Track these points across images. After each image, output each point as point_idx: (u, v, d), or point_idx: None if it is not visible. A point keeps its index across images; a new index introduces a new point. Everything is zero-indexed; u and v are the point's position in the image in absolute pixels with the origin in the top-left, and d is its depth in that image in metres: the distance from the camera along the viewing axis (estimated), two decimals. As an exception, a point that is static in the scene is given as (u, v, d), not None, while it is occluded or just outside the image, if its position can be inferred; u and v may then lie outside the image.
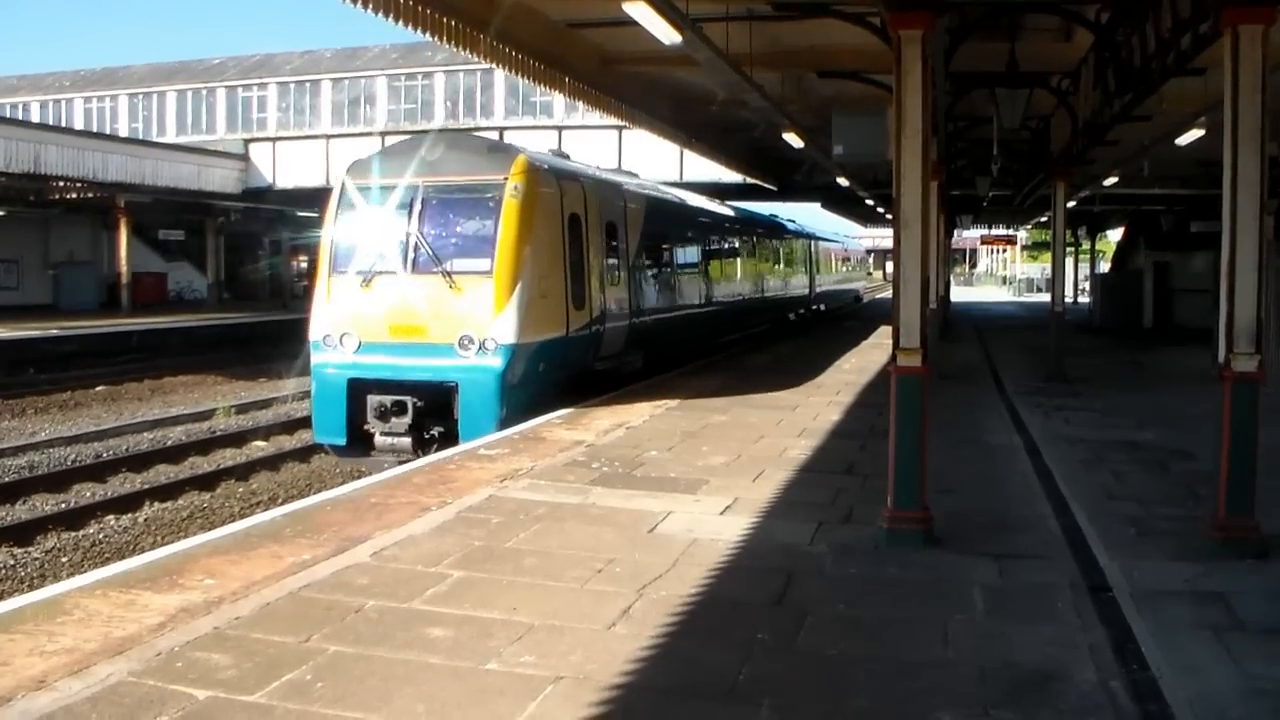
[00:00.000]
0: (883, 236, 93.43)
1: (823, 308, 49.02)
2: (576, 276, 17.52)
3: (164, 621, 7.01)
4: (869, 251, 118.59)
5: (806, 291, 44.69)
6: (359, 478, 12.64)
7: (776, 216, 43.01)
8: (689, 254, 27.19)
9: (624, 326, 19.93)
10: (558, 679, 6.15)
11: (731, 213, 33.90)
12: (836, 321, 45.85)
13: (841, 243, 63.95)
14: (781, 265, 39.48)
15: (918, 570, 8.42)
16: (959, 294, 70.26)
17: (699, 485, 11.38)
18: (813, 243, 47.53)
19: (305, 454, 19.29)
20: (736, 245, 32.58)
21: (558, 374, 17.08)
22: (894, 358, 9.17)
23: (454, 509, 10.21)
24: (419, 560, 8.55)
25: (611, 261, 19.47)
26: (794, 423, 15.82)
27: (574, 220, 17.63)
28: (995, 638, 6.92)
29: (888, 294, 60.65)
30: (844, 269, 63.40)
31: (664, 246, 24.56)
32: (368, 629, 7.00)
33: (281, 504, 14.26)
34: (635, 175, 26.38)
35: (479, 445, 13.68)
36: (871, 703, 5.91)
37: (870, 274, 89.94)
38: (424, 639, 6.78)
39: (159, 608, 7.28)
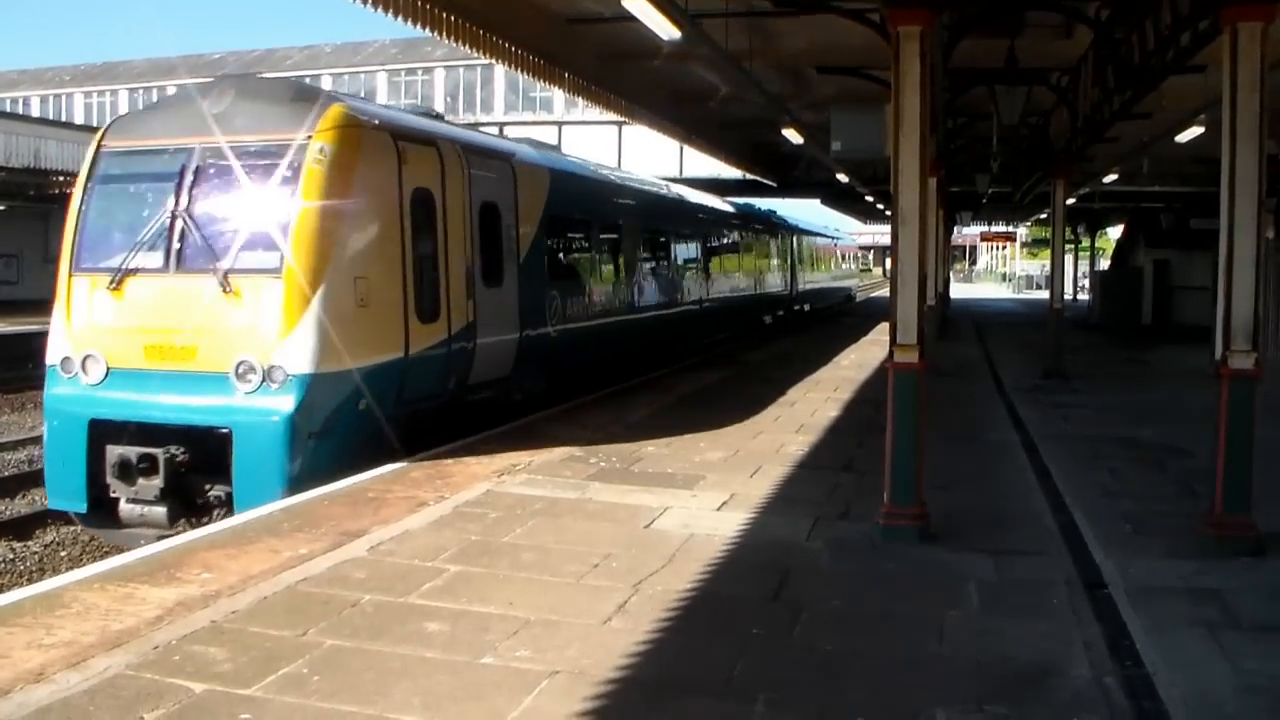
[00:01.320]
0: (883, 233, 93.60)
1: (807, 308, 44.15)
2: (425, 277, 12.93)
3: (161, 615, 7.03)
4: (868, 248, 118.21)
5: (786, 290, 39.73)
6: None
7: (753, 206, 37.16)
8: (619, 248, 21.30)
9: (510, 343, 15.16)
10: (553, 673, 6.17)
11: (682, 197, 28.04)
12: (824, 323, 42.84)
13: (832, 237, 57.03)
14: (752, 261, 34.12)
15: (914, 566, 8.43)
16: (959, 291, 70.22)
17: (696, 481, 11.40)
18: (794, 236, 41.92)
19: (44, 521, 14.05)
20: (688, 238, 27.15)
21: (396, 410, 12.44)
22: (891, 354, 9.19)
23: (451, 504, 10.22)
24: (416, 555, 8.56)
25: (490, 257, 14.65)
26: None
27: (422, 199, 12.98)
28: (990, 633, 6.93)
29: (884, 292, 58.49)
30: (834, 265, 56.89)
31: (577, 237, 19.69)
32: (364, 623, 7.01)
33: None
34: (546, 146, 20.49)
35: (476, 440, 13.64)
36: (866, 698, 5.91)
37: (870, 269, 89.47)
38: (420, 633, 6.79)
39: (157, 601, 7.29)
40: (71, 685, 5.91)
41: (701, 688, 6.06)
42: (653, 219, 24.19)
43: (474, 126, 24.35)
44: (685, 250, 26.92)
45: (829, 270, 54.27)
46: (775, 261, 37.97)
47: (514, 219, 15.40)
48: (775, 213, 39.82)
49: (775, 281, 37.78)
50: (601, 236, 20.48)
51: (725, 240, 31.43)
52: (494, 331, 14.51)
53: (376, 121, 12.80)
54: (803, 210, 54.00)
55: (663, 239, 24.76)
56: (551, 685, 6.02)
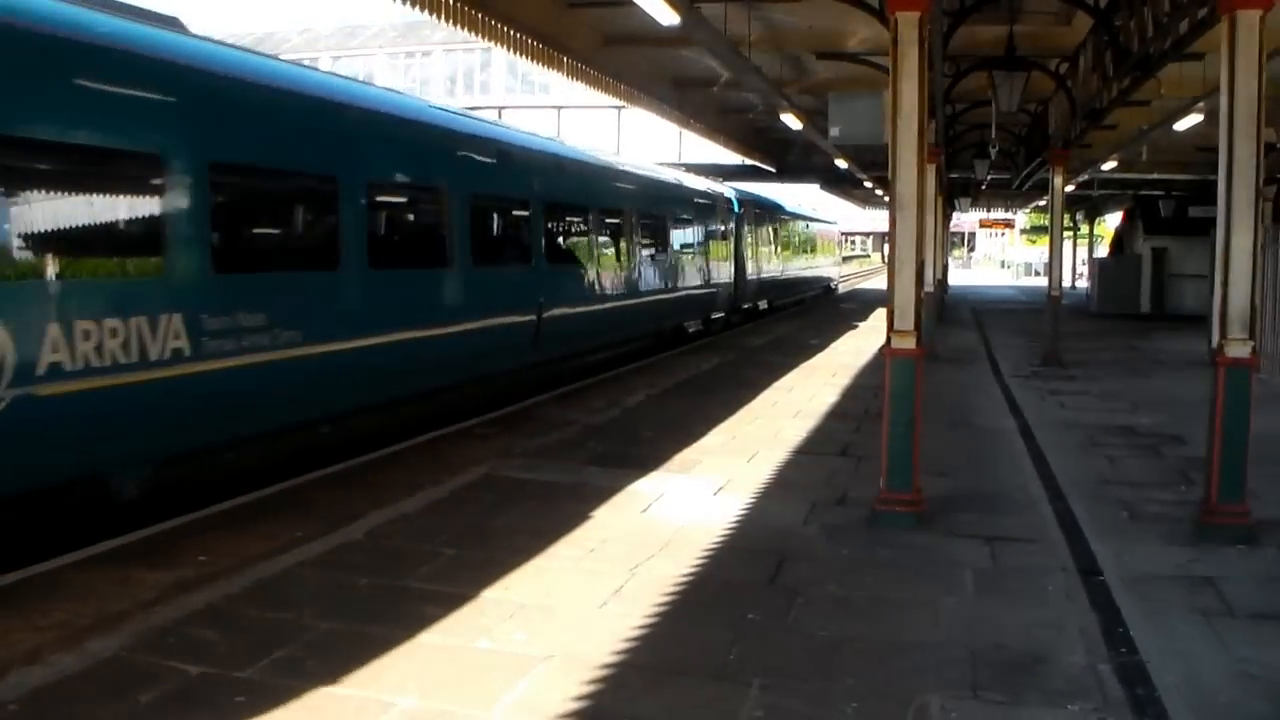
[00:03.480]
0: (883, 219, 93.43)
1: (763, 305, 35.80)
2: None
3: (158, 597, 7.04)
4: (867, 234, 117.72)
5: (722, 285, 28.87)
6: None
7: (682, 182, 27.45)
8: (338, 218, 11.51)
9: None
10: (549, 657, 6.18)
11: (524, 144, 17.52)
12: (819, 310, 40.52)
13: (806, 218, 47.02)
14: (658, 248, 23.51)
15: (909, 552, 8.42)
16: (957, 277, 70.19)
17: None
18: (744, 216, 31.63)
19: None
20: (521, 213, 16.64)
21: None
22: (888, 340, 9.19)
23: (448, 487, 10.24)
24: (412, 538, 8.58)
25: None
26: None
27: None
28: (985, 620, 6.93)
29: (870, 284, 57.38)
30: (805, 252, 45.88)
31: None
32: (360, 606, 7.02)
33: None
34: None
35: (473, 424, 13.63)
36: (860, 683, 5.92)
37: (869, 256, 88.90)
38: (417, 616, 6.79)
39: (153, 584, 7.30)
40: (66, 667, 5.93)
41: (696, 671, 6.06)
42: (456, 176, 14.20)
43: (473, 110, 24.03)
44: (518, 234, 16.91)
45: (799, 257, 44.13)
46: (705, 248, 27.48)
47: None
48: (710, 185, 30.03)
49: (705, 274, 27.04)
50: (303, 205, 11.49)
51: (595, 219, 19.94)
52: None
53: None
54: (800, 195, 51.60)
55: (475, 216, 14.68)
56: (547, 669, 6.03)
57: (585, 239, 19.63)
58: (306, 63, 17.97)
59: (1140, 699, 5.74)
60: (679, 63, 22.44)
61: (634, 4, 12.06)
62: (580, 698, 5.67)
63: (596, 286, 19.28)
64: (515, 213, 16.56)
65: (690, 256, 26.13)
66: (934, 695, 5.73)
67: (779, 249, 38.98)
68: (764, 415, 14.78)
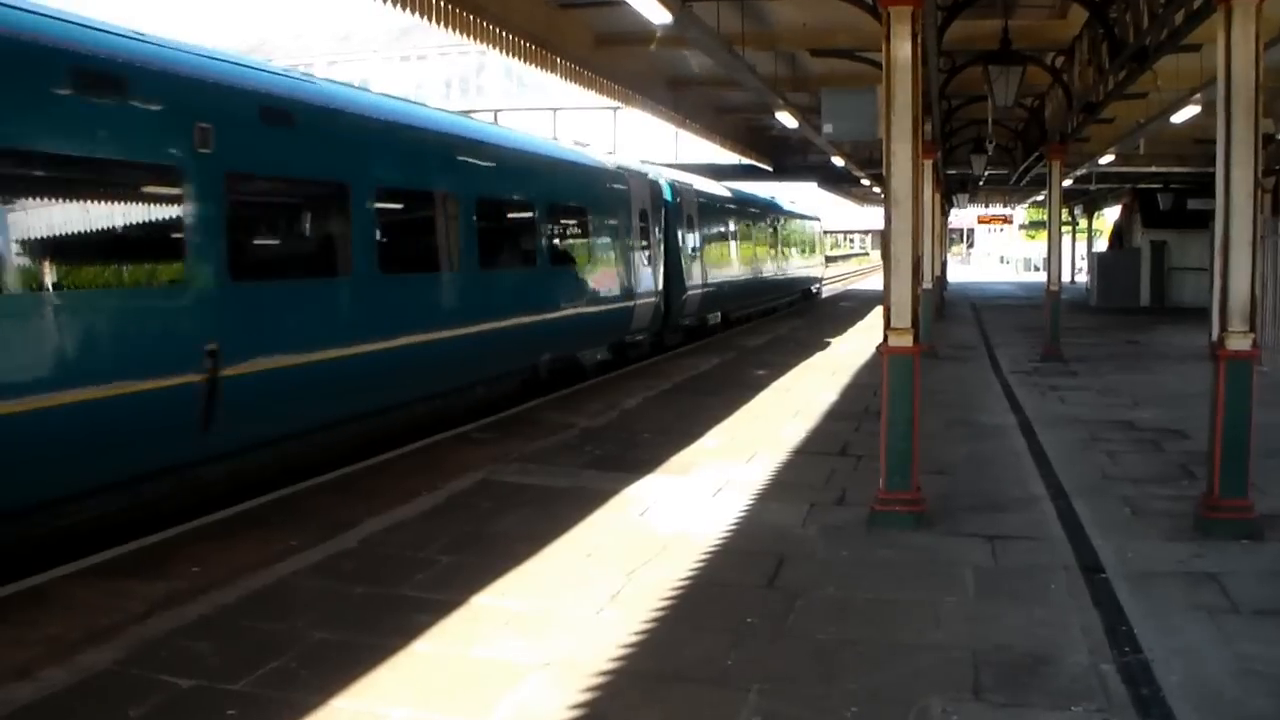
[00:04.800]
0: (882, 217, 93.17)
1: (714, 318, 29.04)
2: None
3: (150, 609, 6.96)
4: (865, 232, 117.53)
5: (641, 297, 21.84)
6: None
7: (565, 157, 20.23)
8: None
9: None
10: (545, 665, 6.10)
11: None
12: (819, 308, 39.88)
13: (771, 210, 39.14)
14: (482, 248, 15.34)
15: (910, 552, 8.34)
16: (956, 274, 70.14)
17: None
18: (676, 204, 25.01)
19: None
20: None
21: None
22: (885, 338, 9.11)
23: (444, 493, 10.17)
24: (407, 545, 8.51)
25: None
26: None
27: None
28: (986, 620, 6.85)
29: (867, 284, 56.60)
30: (775, 252, 38.55)
31: None
32: (354, 615, 6.95)
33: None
34: None
35: (471, 429, 13.56)
36: (861, 686, 5.84)
37: (868, 254, 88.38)
38: (411, 625, 6.71)
39: (145, 595, 7.22)
40: (56, 682, 5.86)
41: (694, 677, 5.99)
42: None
43: (469, 114, 23.54)
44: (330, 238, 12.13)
45: (769, 259, 37.37)
46: (613, 249, 20.67)
47: None
48: (625, 165, 22.94)
49: (612, 285, 20.37)
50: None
51: (366, 202, 12.50)
52: None
53: None
54: (798, 193, 51.06)
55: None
56: (543, 677, 5.95)
57: (334, 233, 12.12)
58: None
59: (1144, 699, 5.67)
60: (673, 62, 22.40)
61: (626, 3, 11.99)
62: (576, 706, 5.59)
63: (364, 313, 12.22)
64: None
65: (581, 261, 18.95)
66: (935, 698, 5.65)
67: (738, 249, 32.20)
68: (763, 415, 14.71)
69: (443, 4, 14.47)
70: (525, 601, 7.21)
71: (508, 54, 17.08)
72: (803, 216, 46.93)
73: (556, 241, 18.09)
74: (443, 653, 6.34)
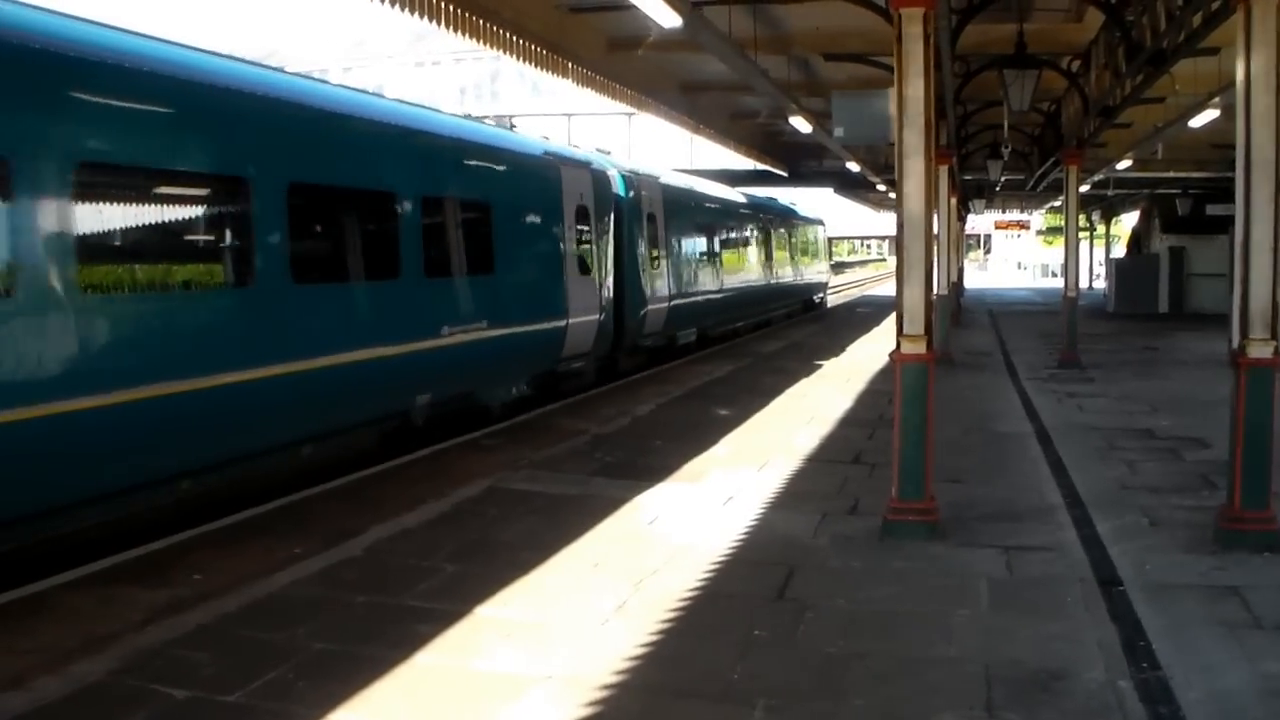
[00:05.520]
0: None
1: (689, 337, 24.99)
2: None
3: (148, 618, 6.86)
4: (883, 238, 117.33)
5: (580, 314, 17.56)
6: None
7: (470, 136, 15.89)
8: None
9: None
10: (547, 678, 5.98)
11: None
12: (832, 315, 38.51)
13: (763, 211, 34.83)
14: (338, 254, 12.07)
15: (922, 563, 8.19)
16: (973, 280, 69.95)
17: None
18: (631, 200, 20.92)
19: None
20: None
21: None
22: (898, 345, 8.97)
23: (451, 501, 10.06)
24: (412, 554, 8.40)
25: None
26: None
27: None
28: (1000, 634, 6.70)
29: (882, 289, 56.08)
30: (769, 258, 34.06)
31: None
32: (355, 625, 6.84)
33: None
34: None
35: (480, 435, 13.45)
36: (870, 703, 5.70)
37: (884, 260, 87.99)
38: (412, 635, 6.59)
39: (145, 603, 7.13)
40: (50, 692, 5.77)
41: (699, 692, 5.85)
42: None
43: (483, 119, 23.10)
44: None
45: (760, 266, 33.11)
46: (541, 255, 16.88)
47: None
48: (558, 150, 18.81)
49: (533, 300, 16.32)
50: None
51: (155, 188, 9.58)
52: None
53: None
54: (814, 199, 50.41)
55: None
56: (544, 691, 5.83)
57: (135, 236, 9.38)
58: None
59: (1163, 717, 5.52)
60: (686, 67, 22.31)
61: (637, 8, 11.90)
62: (578, 721, 5.47)
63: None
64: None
65: (479, 271, 14.55)
66: (947, 714, 5.52)
67: (719, 255, 28.14)
68: (776, 422, 14.59)
69: (454, 9, 14.42)
70: (529, 612, 7.08)
71: (520, 59, 17.05)
72: (803, 218, 42.16)
73: (437, 246, 13.58)
74: (443, 665, 6.22)
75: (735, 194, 32.46)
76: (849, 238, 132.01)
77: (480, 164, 15.30)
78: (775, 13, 17.17)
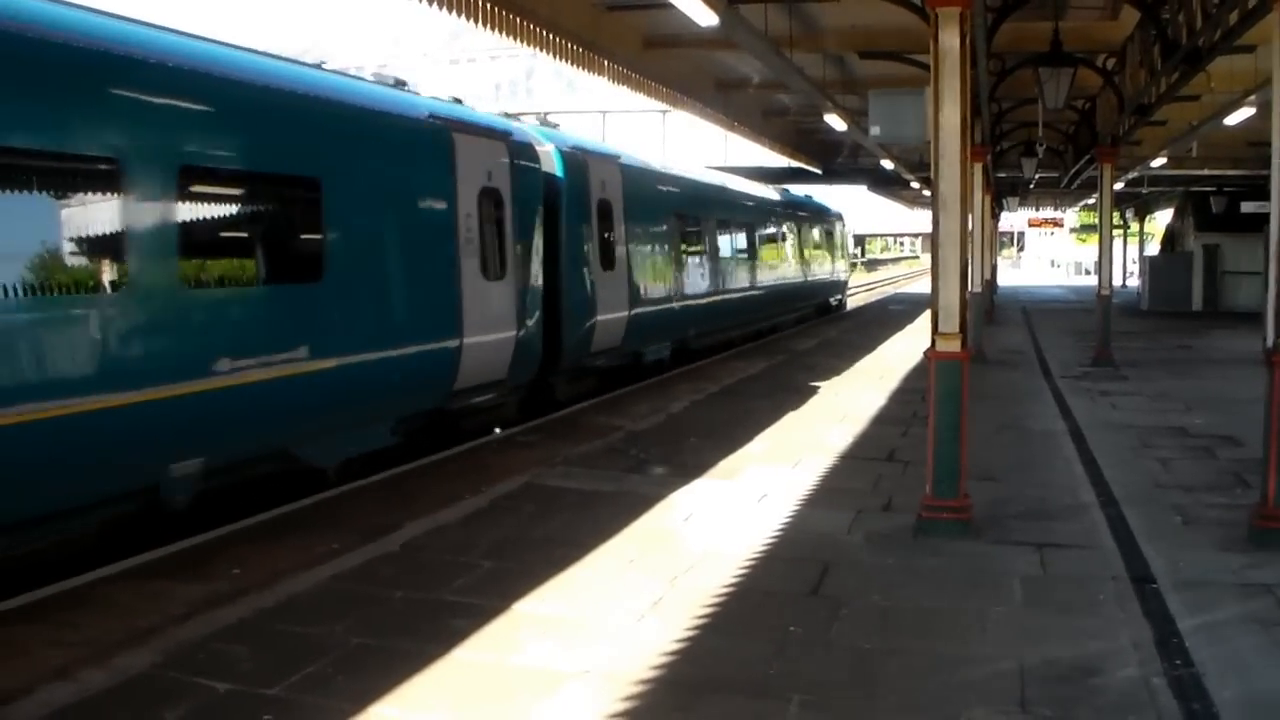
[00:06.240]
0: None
1: (660, 353, 20.52)
2: None
3: (189, 612, 6.95)
4: (915, 235, 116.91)
5: (482, 333, 13.25)
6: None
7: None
8: None
9: None
10: (584, 673, 6.04)
11: None
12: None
13: (762, 201, 29.94)
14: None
15: (956, 560, 8.22)
16: (1006, 277, 69.64)
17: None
18: (566, 183, 16.61)
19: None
20: None
21: None
22: (932, 342, 9.00)
23: (487, 497, 10.12)
24: (449, 550, 8.47)
25: None
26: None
27: None
28: (1034, 631, 6.73)
29: (915, 287, 55.89)
30: (772, 255, 29.85)
31: None
32: (393, 620, 6.91)
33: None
34: None
35: (516, 432, 13.54)
36: (904, 699, 5.75)
37: (917, 258, 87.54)
38: (450, 630, 6.66)
39: (184, 598, 7.21)
40: (94, 684, 5.86)
41: (735, 687, 5.91)
42: None
43: (517, 116, 22.65)
44: None
45: (763, 264, 28.64)
46: (417, 257, 12.44)
47: None
48: (452, 112, 13.88)
49: (426, 313, 12.58)
50: None
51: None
52: None
53: None
54: (848, 196, 50.01)
55: None
56: (581, 685, 5.89)
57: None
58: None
59: (1196, 715, 5.54)
60: (722, 65, 22.37)
61: (674, 6, 11.94)
62: (614, 715, 5.53)
63: None
64: None
65: (300, 277, 10.71)
66: (980, 710, 5.56)
67: (702, 253, 23.62)
68: (809, 420, 14.61)
69: (490, 6, 14.47)
70: (566, 608, 7.15)
71: (556, 57, 17.09)
72: (815, 209, 37.01)
73: (206, 241, 9.68)
74: (481, 660, 6.28)
75: (725, 179, 27.85)
76: (882, 235, 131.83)
77: (301, 122, 10.88)
78: (810, 10, 17.21)
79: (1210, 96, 18.76)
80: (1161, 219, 57.48)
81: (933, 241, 9.18)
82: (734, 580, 7.74)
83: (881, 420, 14.68)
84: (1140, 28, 16.33)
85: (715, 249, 24.51)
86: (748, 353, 23.69)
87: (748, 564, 8.14)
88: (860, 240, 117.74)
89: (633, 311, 18.52)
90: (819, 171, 39.48)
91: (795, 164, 37.59)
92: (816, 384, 18.13)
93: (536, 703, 5.68)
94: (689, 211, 22.81)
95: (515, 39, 15.77)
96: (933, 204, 9.06)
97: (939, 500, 8.94)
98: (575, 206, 16.66)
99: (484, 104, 19.68)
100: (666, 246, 21.05)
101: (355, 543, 8.54)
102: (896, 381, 18.61)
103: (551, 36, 16.42)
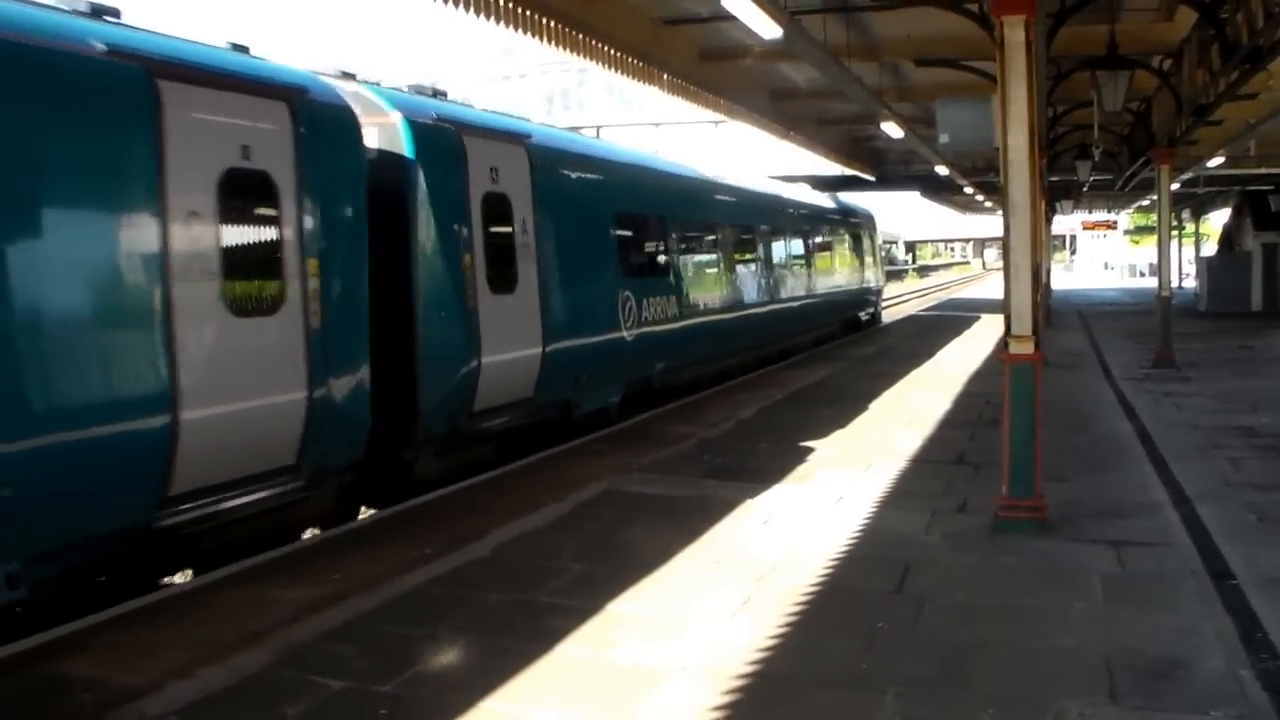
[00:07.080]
0: (982, 225, 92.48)
1: (608, 402, 15.50)
2: None
3: (295, 615, 7.21)
4: (966, 240, 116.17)
5: (214, 403, 8.34)
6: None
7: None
8: None
9: None
10: (683, 669, 6.24)
11: None
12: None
13: (760, 199, 24.84)
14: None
15: (1035, 558, 8.36)
16: (1060, 280, 69.23)
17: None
18: (417, 160, 11.22)
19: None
20: None
21: None
22: (1006, 345, 9.15)
23: (569, 503, 10.33)
24: (537, 554, 8.69)
25: None
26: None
27: None
28: (1118, 625, 6.86)
29: (968, 293, 55.50)
30: (780, 265, 24.95)
31: None
32: (491, 621, 7.14)
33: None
34: None
35: (592, 440, 13.80)
36: (996, 690, 5.91)
37: (968, 263, 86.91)
38: (549, 630, 6.88)
39: (289, 602, 7.48)
40: (217, 681, 6.13)
41: (830, 681, 6.10)
42: None
43: (572, 130, 22.33)
44: None
45: (764, 276, 23.53)
46: (127, 298, 7.79)
47: None
48: (161, 48, 8.40)
49: (167, 372, 7.95)
50: None
51: None
52: None
53: None
54: (900, 203, 49.58)
55: None
56: (682, 680, 6.09)
57: None
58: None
59: (1287, 705, 5.65)
60: (776, 75, 22.52)
61: (731, 19, 12.14)
62: (718, 708, 5.72)
63: None
64: None
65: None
66: (1071, 701, 5.70)
67: (663, 265, 18.36)
68: (877, 425, 14.75)
69: (551, 24, 14.73)
70: (658, 608, 7.35)
71: (613, 69, 17.31)
72: (838, 210, 32.02)
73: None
74: (582, 657, 6.50)
75: (708, 172, 22.17)
76: (934, 240, 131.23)
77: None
78: (866, 20, 17.37)
79: (1268, 94, 18.73)
80: (1215, 220, 57.04)
81: (1004, 246, 9.34)
82: (818, 580, 7.92)
83: (947, 424, 14.77)
84: (1197, 28, 16.33)
85: (689, 258, 19.62)
86: (809, 360, 23.76)
87: (830, 564, 8.31)
88: (911, 246, 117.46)
89: (550, 347, 13.50)
90: (872, 179, 39.53)
91: (849, 171, 37.66)
92: (880, 390, 18.23)
93: (640, 697, 5.88)
94: (647, 210, 17.92)
95: (575, 53, 16.01)
96: (1003, 211, 9.22)
97: (1015, 499, 9.09)
98: (439, 202, 11.55)
99: (536, 117, 18.39)
100: (610, 257, 16.16)
101: (447, 548, 8.77)
102: (959, 386, 18.67)
103: (609, 50, 16.65)
